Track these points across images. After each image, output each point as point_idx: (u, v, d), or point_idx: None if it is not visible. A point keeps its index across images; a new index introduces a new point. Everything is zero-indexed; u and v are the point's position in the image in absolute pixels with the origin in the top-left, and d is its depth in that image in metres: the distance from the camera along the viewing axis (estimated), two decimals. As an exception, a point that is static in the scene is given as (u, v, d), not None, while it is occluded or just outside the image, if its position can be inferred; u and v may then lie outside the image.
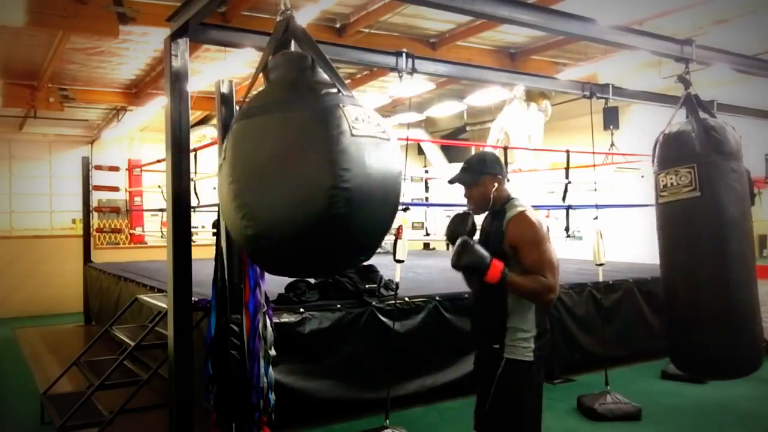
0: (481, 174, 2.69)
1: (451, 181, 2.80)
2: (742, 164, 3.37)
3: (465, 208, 2.80)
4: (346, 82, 10.10)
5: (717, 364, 3.36)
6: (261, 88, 2.39)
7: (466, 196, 2.75)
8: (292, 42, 2.48)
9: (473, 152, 12.03)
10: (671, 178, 3.34)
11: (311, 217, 1.96)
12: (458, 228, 2.70)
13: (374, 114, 2.18)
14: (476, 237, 2.70)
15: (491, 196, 2.68)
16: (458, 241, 2.48)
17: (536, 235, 2.53)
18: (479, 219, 2.81)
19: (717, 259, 3.23)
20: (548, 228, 2.66)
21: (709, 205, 3.23)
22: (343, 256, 2.26)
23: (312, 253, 2.11)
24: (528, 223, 2.56)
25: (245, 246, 2.26)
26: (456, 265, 2.49)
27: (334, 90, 2.17)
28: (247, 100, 2.39)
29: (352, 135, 1.98)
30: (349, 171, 1.95)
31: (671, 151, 3.41)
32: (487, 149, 3.05)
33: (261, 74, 2.42)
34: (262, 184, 2.02)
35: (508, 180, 2.80)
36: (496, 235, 2.60)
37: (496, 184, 2.68)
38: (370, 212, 2.09)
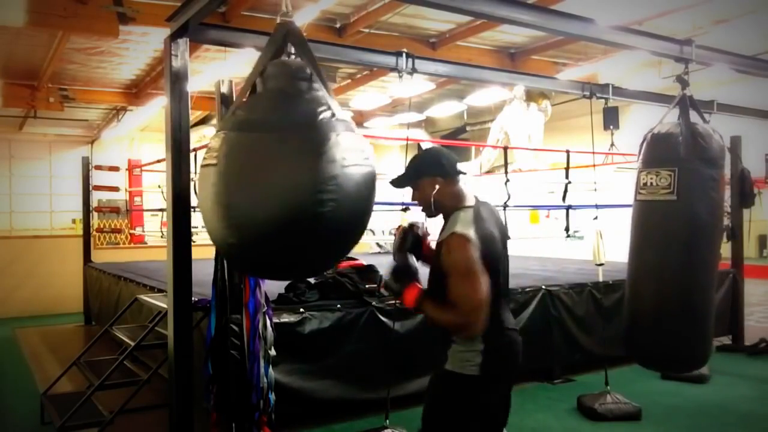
0: (418, 177, 2.45)
1: (391, 183, 2.57)
2: (723, 171, 3.48)
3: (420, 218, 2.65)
4: (346, 82, 10.11)
5: (670, 358, 3.51)
6: (257, 93, 2.39)
7: (412, 199, 2.55)
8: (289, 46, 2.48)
9: (473, 152, 12.08)
10: (651, 178, 3.44)
11: (294, 234, 2.12)
12: (396, 244, 2.54)
13: (362, 140, 2.27)
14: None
15: (432, 198, 2.41)
16: (395, 262, 2.47)
17: (464, 264, 2.22)
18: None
19: (683, 262, 3.34)
20: (490, 246, 2.32)
21: (683, 210, 3.32)
22: (308, 272, 2.57)
23: (291, 262, 2.30)
24: (458, 246, 2.24)
25: (224, 252, 2.40)
26: (386, 290, 2.55)
27: (329, 114, 2.20)
28: (240, 102, 2.40)
29: (343, 166, 2.12)
30: (334, 201, 2.10)
31: (656, 152, 3.49)
32: (434, 146, 2.87)
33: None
34: (252, 201, 2.13)
35: (459, 178, 2.47)
36: (438, 251, 2.35)
37: (436, 186, 2.40)
38: (344, 237, 2.29)
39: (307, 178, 2.08)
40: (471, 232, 2.26)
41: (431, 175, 2.42)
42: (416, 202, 2.54)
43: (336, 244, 2.29)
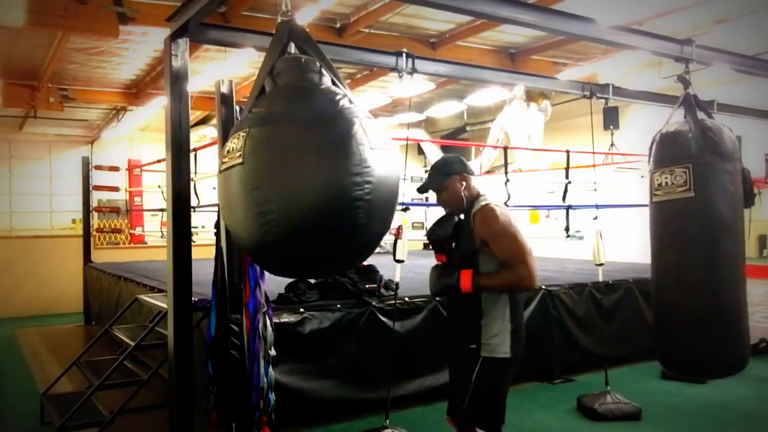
0: (448, 175, 2.71)
1: (421, 189, 2.83)
2: (737, 165, 3.39)
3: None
4: (346, 82, 10.18)
5: (703, 364, 3.39)
6: (271, 91, 2.39)
7: (439, 201, 2.78)
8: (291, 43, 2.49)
9: (473, 152, 12.07)
10: (666, 178, 3.36)
11: (334, 224, 2.12)
12: (438, 229, 2.73)
13: (379, 124, 2.31)
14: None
15: (463, 194, 2.70)
16: (430, 270, 2.67)
17: (501, 225, 2.55)
18: None
19: (708, 260, 3.26)
20: (515, 218, 2.67)
21: (702, 206, 3.25)
22: (352, 259, 2.47)
23: (328, 259, 2.30)
24: (492, 215, 2.58)
25: (261, 252, 2.33)
26: (434, 293, 2.69)
27: (347, 101, 2.23)
28: (254, 102, 2.38)
29: (371, 148, 2.14)
30: (370, 183, 2.12)
31: (667, 151, 3.42)
32: (447, 154, 3.05)
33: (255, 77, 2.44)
34: (289, 192, 2.10)
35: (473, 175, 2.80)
36: (467, 233, 2.64)
37: (464, 183, 2.71)
38: (382, 218, 2.29)
39: (342, 163, 2.09)
40: (497, 204, 2.64)
41: (459, 173, 2.71)
42: (443, 201, 2.74)
43: (376, 225, 2.27)
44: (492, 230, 2.55)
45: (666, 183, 3.35)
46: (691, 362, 3.41)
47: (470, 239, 2.62)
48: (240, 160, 2.15)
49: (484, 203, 2.63)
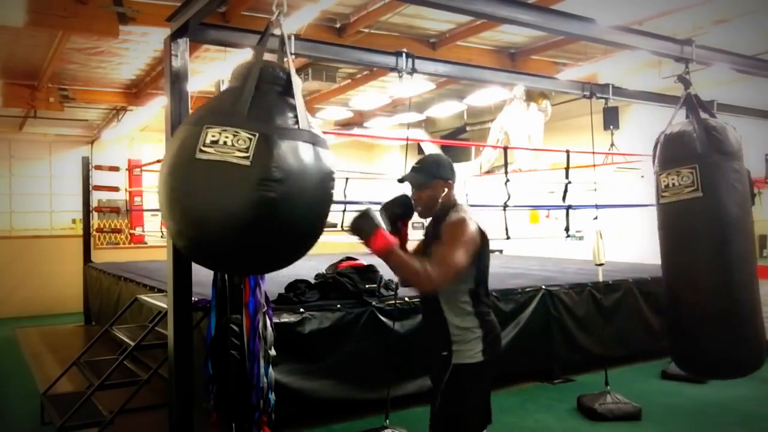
0: (434, 177, 2.60)
1: (401, 180, 2.68)
2: (743, 164, 3.37)
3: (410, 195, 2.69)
4: (346, 82, 10.14)
5: (719, 365, 3.35)
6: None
7: (414, 197, 2.64)
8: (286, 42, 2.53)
9: (473, 152, 12.07)
10: (673, 179, 3.33)
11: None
12: (390, 207, 2.56)
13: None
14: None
15: (439, 200, 2.59)
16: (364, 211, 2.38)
17: (458, 234, 2.41)
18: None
19: (719, 259, 3.22)
20: (479, 237, 2.49)
21: (710, 206, 3.22)
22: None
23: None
24: (460, 226, 2.45)
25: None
26: (345, 226, 2.46)
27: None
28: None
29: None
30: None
31: (672, 152, 3.39)
32: (441, 153, 2.93)
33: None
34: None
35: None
36: (433, 238, 2.53)
37: (446, 190, 2.60)
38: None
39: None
40: (473, 221, 2.49)
41: (445, 178, 2.62)
42: (418, 198, 2.62)
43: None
44: (448, 232, 2.44)
45: (673, 184, 3.32)
46: (708, 364, 3.38)
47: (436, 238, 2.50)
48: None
49: (461, 215, 2.51)
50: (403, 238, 2.62)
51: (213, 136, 2.21)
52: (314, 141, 2.38)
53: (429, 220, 2.71)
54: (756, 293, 3.34)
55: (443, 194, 2.59)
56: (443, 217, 2.56)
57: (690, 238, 3.30)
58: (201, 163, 2.21)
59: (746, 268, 3.27)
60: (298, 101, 2.44)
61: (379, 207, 2.53)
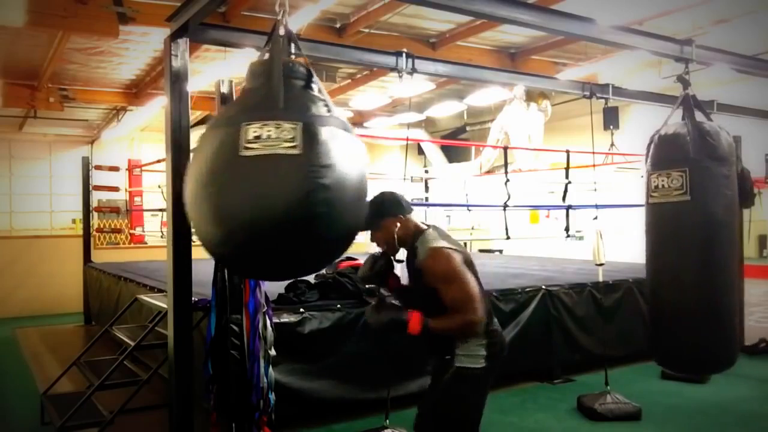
0: (381, 217, 2.67)
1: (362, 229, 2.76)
2: (733, 167, 3.43)
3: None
4: (346, 82, 10.13)
5: (696, 361, 3.48)
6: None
7: (372, 240, 2.76)
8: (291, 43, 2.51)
9: (473, 152, 12.08)
10: (663, 180, 3.38)
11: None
12: (366, 271, 2.73)
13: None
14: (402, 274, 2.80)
15: (395, 236, 2.67)
16: (373, 302, 2.62)
17: (447, 270, 2.51)
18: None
19: (702, 263, 3.30)
20: (464, 256, 2.60)
21: (698, 210, 3.29)
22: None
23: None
24: (438, 259, 2.53)
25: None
26: (375, 327, 2.58)
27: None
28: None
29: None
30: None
31: (665, 153, 3.44)
32: (387, 190, 2.95)
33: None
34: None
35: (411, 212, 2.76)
36: (418, 274, 2.61)
37: (398, 224, 2.67)
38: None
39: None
40: (445, 244, 2.59)
41: (393, 215, 2.69)
42: (377, 239, 2.74)
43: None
44: (439, 276, 2.51)
45: (663, 185, 3.38)
46: (685, 359, 3.49)
47: (421, 281, 2.59)
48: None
49: (433, 244, 2.58)
50: (398, 281, 2.81)
51: (255, 131, 2.13)
52: (346, 127, 2.36)
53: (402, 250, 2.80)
54: (736, 295, 3.46)
55: (397, 229, 2.67)
56: (413, 249, 2.67)
57: (675, 239, 3.37)
58: (247, 161, 2.12)
59: (728, 273, 3.37)
60: (323, 91, 2.44)
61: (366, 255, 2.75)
